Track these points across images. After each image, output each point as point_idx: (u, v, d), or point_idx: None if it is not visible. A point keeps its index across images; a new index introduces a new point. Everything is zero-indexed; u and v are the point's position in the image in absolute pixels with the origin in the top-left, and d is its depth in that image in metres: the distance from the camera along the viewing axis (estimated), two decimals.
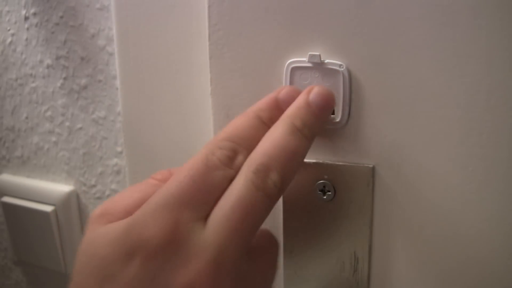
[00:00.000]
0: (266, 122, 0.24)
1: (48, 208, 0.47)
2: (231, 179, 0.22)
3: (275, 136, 0.23)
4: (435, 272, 0.27)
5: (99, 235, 0.22)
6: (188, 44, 0.33)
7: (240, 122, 0.24)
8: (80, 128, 0.45)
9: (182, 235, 0.20)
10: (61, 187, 0.48)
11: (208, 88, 0.30)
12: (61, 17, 0.42)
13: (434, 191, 0.26)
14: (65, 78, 0.44)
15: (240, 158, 0.22)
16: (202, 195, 0.21)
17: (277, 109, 0.25)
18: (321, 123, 0.25)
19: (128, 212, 0.23)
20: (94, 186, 0.46)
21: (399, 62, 0.25)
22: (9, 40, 0.46)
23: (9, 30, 0.46)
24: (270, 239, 0.25)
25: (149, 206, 0.21)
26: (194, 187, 0.21)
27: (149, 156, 0.37)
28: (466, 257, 0.26)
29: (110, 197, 0.45)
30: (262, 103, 0.25)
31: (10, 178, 0.51)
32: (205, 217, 0.21)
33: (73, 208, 0.48)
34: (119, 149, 0.43)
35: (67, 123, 0.45)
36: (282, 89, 0.26)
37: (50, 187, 0.48)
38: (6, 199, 0.50)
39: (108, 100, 0.42)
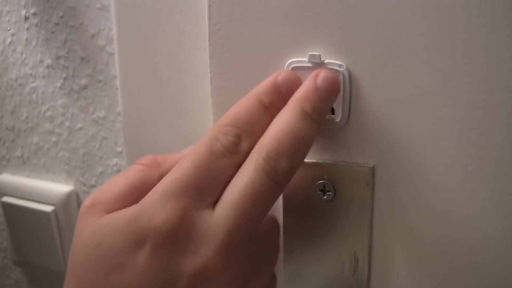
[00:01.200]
0: (267, 107, 0.24)
1: (48, 208, 0.47)
2: (236, 166, 0.22)
3: (285, 121, 0.23)
4: (435, 272, 0.27)
5: (102, 225, 0.22)
6: (188, 44, 0.33)
7: (242, 106, 0.24)
8: (80, 128, 0.45)
9: (191, 222, 0.21)
10: (61, 187, 0.48)
11: (208, 88, 0.30)
12: (61, 17, 0.42)
13: (434, 191, 0.26)
14: (65, 78, 0.44)
15: (244, 144, 0.22)
16: (209, 182, 0.21)
17: (277, 93, 0.25)
18: (328, 107, 0.25)
19: (117, 200, 0.23)
20: (94, 186, 0.46)
21: (399, 62, 0.25)
22: (9, 40, 0.46)
23: (9, 30, 0.46)
24: (273, 221, 0.26)
25: (156, 194, 0.21)
26: (200, 174, 0.21)
27: None
28: (466, 257, 0.26)
29: None
30: (262, 87, 0.25)
31: (10, 178, 0.51)
32: (213, 204, 0.21)
33: (73, 208, 0.48)
34: (119, 149, 0.43)
35: (67, 123, 0.45)
36: (280, 73, 0.25)
37: (50, 187, 0.48)
38: (6, 199, 0.50)
39: (108, 100, 0.42)
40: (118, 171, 0.44)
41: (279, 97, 0.24)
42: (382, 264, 0.29)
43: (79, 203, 0.48)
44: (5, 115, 0.50)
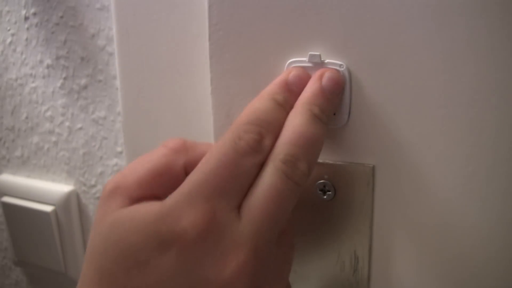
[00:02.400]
0: (282, 104, 0.24)
1: (48, 208, 0.47)
2: (259, 164, 0.22)
3: (297, 125, 0.23)
4: (435, 271, 0.27)
5: (124, 220, 0.21)
6: (188, 44, 0.33)
7: (258, 105, 0.24)
8: (80, 128, 0.45)
9: (220, 225, 0.20)
10: (61, 187, 0.48)
11: (208, 88, 0.30)
12: (61, 17, 0.42)
13: (434, 191, 0.26)
14: (65, 78, 0.44)
15: (266, 141, 0.22)
16: (235, 182, 0.21)
17: (289, 91, 0.25)
18: (334, 107, 0.26)
19: (140, 186, 0.22)
20: (94, 186, 0.46)
21: (399, 62, 0.25)
22: (9, 40, 0.46)
23: (9, 30, 0.46)
24: (287, 222, 0.26)
25: (182, 194, 0.21)
26: (227, 174, 0.21)
27: None
28: (466, 257, 0.26)
29: None
30: (274, 86, 0.25)
31: (10, 178, 0.51)
32: (239, 206, 0.21)
33: (73, 208, 0.48)
34: (119, 149, 0.43)
35: (67, 123, 0.45)
36: (291, 71, 0.26)
37: (50, 187, 0.48)
38: (6, 199, 0.50)
39: (108, 100, 0.42)
40: (118, 171, 0.44)
41: (291, 95, 0.25)
42: (382, 264, 0.29)
43: (79, 203, 0.48)
44: (5, 115, 0.50)
